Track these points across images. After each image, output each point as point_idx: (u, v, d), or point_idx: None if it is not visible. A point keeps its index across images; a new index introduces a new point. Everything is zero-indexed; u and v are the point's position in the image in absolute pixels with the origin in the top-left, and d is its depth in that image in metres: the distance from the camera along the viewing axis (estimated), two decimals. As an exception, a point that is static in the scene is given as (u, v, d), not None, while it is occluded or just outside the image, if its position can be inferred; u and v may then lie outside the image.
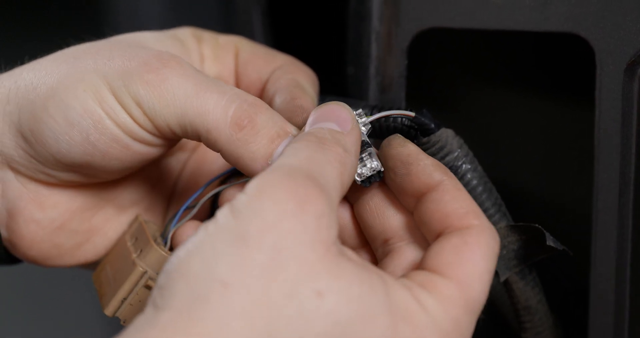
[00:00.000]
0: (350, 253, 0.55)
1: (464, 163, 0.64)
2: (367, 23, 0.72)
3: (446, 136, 0.64)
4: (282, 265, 0.51)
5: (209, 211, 0.74)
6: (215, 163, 0.73)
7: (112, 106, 0.62)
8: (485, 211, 0.64)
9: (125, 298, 0.65)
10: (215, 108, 0.61)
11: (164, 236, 0.68)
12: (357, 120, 0.60)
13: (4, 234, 0.69)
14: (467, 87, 0.81)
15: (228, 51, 0.71)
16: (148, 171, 0.72)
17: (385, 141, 0.61)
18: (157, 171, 0.73)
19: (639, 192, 0.65)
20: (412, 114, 0.64)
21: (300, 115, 0.66)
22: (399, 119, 0.65)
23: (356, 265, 0.54)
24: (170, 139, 0.65)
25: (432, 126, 0.64)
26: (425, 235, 0.60)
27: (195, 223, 0.67)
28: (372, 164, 0.61)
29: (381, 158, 0.61)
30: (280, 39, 0.89)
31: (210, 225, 0.53)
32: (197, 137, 0.62)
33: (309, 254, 0.52)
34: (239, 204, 0.53)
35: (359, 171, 0.61)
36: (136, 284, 0.65)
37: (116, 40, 0.67)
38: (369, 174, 0.61)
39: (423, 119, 0.64)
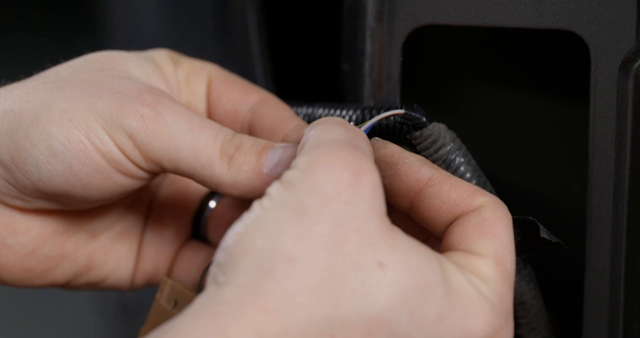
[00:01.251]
0: (397, 227, 0.55)
1: (457, 156, 0.65)
2: (362, 20, 0.72)
3: (438, 129, 0.64)
4: (345, 237, 0.52)
5: (191, 230, 0.73)
6: (191, 181, 0.72)
7: (100, 136, 0.62)
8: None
9: None
10: (207, 144, 0.62)
11: (200, 288, 0.66)
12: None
13: None
14: (462, 84, 0.81)
15: (200, 77, 0.71)
16: None
17: None
18: (131, 194, 0.72)
19: (633, 188, 0.65)
20: (402, 111, 0.64)
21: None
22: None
23: (408, 237, 0.54)
24: (155, 173, 0.65)
25: (424, 119, 0.64)
26: (432, 230, 0.60)
27: None
28: None
29: None
30: (275, 36, 0.89)
31: (264, 201, 0.53)
32: (190, 173, 0.63)
33: (368, 225, 0.52)
34: (291, 178, 0.53)
35: None
36: None
37: (97, 68, 0.66)
38: None
39: (414, 113, 0.64)
